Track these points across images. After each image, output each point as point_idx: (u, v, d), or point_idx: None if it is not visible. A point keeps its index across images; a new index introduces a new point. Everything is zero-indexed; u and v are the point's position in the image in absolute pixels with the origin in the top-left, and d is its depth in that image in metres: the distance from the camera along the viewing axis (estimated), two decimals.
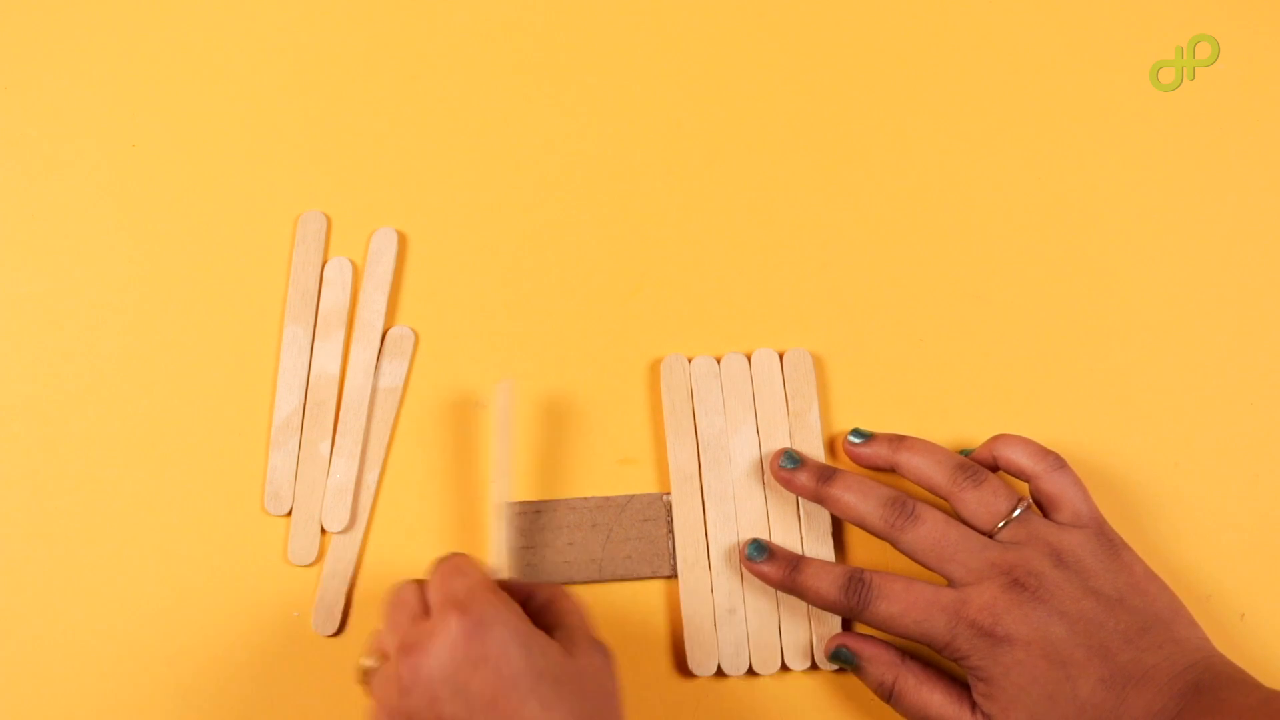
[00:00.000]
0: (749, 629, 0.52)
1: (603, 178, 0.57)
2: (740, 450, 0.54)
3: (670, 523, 0.53)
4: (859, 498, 0.50)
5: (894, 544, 0.50)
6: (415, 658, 0.42)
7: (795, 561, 0.51)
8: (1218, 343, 0.55)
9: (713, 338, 0.55)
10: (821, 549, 0.53)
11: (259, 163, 0.57)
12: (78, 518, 0.53)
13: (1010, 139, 0.58)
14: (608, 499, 0.53)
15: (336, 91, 0.58)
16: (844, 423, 0.54)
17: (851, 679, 0.52)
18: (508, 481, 0.51)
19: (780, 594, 0.52)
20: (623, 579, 0.53)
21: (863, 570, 0.50)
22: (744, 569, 0.52)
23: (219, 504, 0.53)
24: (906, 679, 0.49)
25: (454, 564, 0.45)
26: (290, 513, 0.53)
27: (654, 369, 0.55)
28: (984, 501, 0.49)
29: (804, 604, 0.52)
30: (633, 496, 0.54)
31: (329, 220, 0.56)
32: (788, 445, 0.53)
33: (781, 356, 0.55)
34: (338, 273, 0.56)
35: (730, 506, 0.53)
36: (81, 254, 0.56)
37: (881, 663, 0.50)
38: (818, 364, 0.55)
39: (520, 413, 0.54)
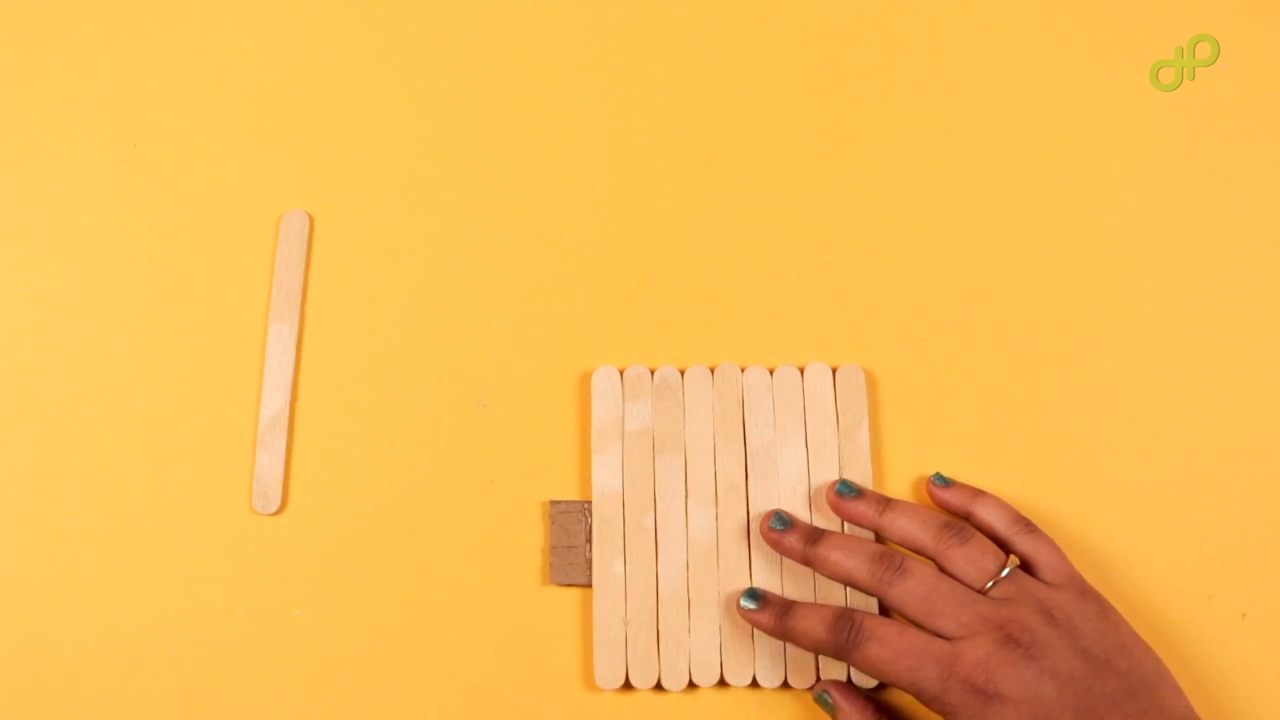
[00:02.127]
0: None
1: (631, 181, 0.57)
2: (788, 464, 0.53)
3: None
4: (846, 554, 0.50)
5: (883, 599, 0.49)
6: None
7: (786, 607, 0.51)
8: (1218, 342, 0.56)
9: (767, 349, 0.55)
10: None
11: (242, 162, 0.57)
12: (69, 517, 0.53)
13: (1010, 139, 0.58)
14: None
15: (324, 91, 0.58)
16: (894, 441, 0.54)
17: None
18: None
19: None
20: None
21: (854, 610, 0.49)
22: (740, 616, 0.51)
23: (208, 503, 0.53)
24: None
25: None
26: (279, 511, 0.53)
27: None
28: (971, 559, 0.49)
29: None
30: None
31: (311, 219, 0.56)
32: (836, 463, 0.53)
33: (835, 372, 0.54)
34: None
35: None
36: (66, 256, 0.56)
37: (856, 717, 0.49)
38: (871, 381, 0.54)
39: (533, 416, 0.54)
